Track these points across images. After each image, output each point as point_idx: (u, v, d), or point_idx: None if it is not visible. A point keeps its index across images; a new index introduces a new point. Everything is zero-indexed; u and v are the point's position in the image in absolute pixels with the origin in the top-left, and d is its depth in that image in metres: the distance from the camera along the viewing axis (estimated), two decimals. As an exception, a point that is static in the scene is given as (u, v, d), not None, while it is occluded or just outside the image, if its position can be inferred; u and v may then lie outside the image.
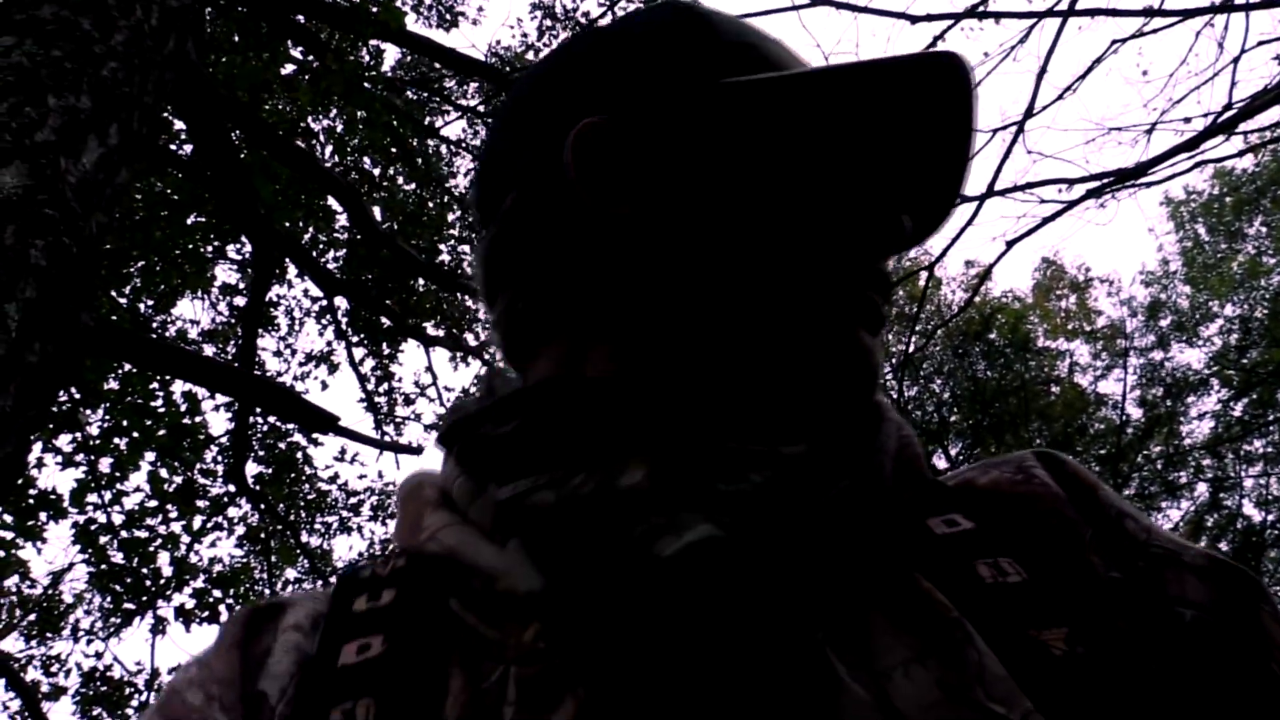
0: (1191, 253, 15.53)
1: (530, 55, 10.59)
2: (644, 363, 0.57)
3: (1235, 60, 5.56)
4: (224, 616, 6.04)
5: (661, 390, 0.55)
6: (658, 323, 0.58)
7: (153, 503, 6.18)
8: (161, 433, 5.95)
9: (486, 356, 9.56)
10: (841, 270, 0.57)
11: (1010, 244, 5.01)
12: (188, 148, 6.21)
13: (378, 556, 0.60)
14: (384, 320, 8.58)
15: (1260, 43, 6.25)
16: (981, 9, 4.73)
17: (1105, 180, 5.12)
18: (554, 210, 0.60)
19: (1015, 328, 13.53)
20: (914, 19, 4.27)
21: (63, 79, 1.92)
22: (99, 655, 7.30)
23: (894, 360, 13.83)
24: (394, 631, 0.52)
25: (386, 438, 8.90)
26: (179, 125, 5.97)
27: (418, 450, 6.42)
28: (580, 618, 0.48)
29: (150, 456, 5.98)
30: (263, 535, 7.46)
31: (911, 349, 12.13)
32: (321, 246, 8.41)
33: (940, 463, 13.47)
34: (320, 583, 9.85)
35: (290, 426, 7.91)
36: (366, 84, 6.67)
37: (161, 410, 5.67)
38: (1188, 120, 6.11)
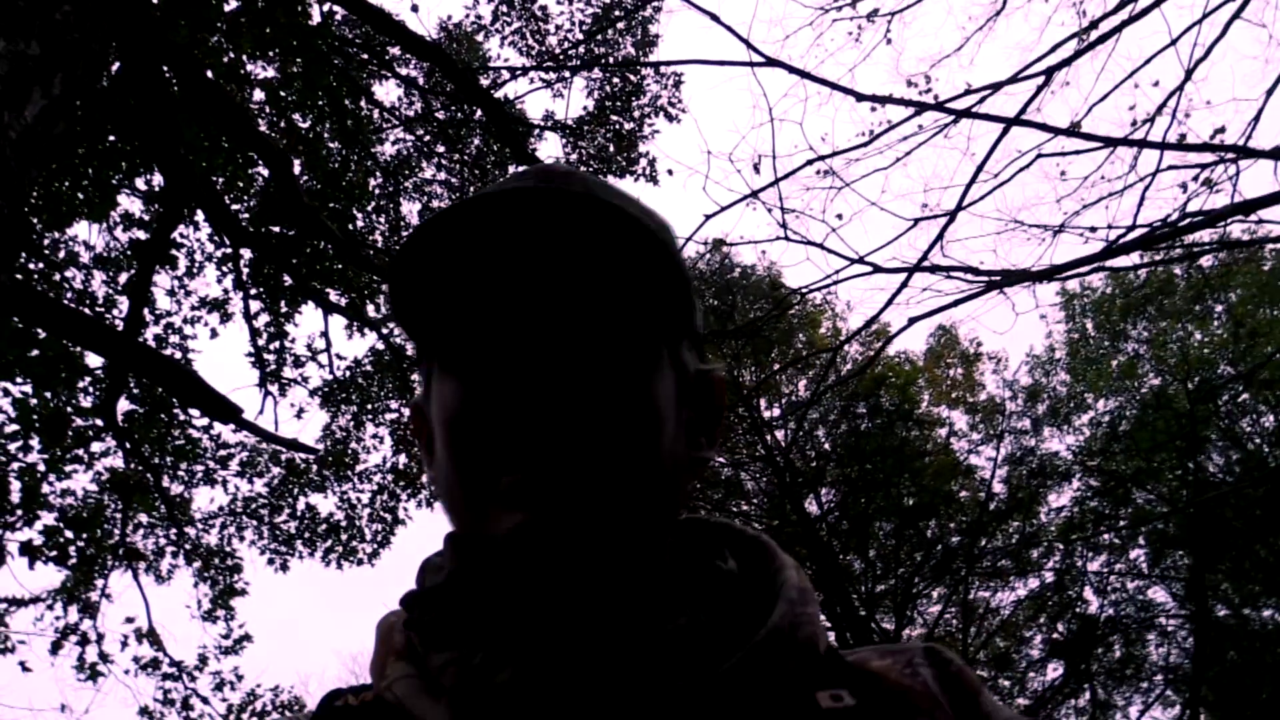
0: (1077, 344, 16.20)
1: (481, 38, 10.52)
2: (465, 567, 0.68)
3: (1146, 185, 5.88)
4: (73, 559, 5.84)
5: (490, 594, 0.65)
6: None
7: (14, 427, 5.94)
8: (34, 353, 5.72)
9: (384, 331, 9.44)
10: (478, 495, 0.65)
11: (912, 320, 5.21)
12: (114, 66, 6.01)
13: (358, 686, 0.71)
14: (286, 278, 8.41)
15: (1170, 167, 6.60)
16: (924, 93, 4.91)
17: (1011, 276, 5.36)
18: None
19: (903, 390, 13.93)
20: (860, 97, 4.41)
21: (15, 20, 1.87)
22: (-73, 574, 6.96)
23: (783, 405, 14.10)
24: None
25: (270, 397, 8.71)
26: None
27: (315, 450, 6.30)
28: None
29: (20, 380, 5.75)
30: (130, 480, 7.22)
31: (801, 396, 12.40)
32: (236, 191, 8.20)
33: (812, 508, 13.78)
34: (174, 530, 9.59)
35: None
36: (310, 37, 6.55)
37: (41, 335, 5.45)
38: (1094, 229, 6.41)
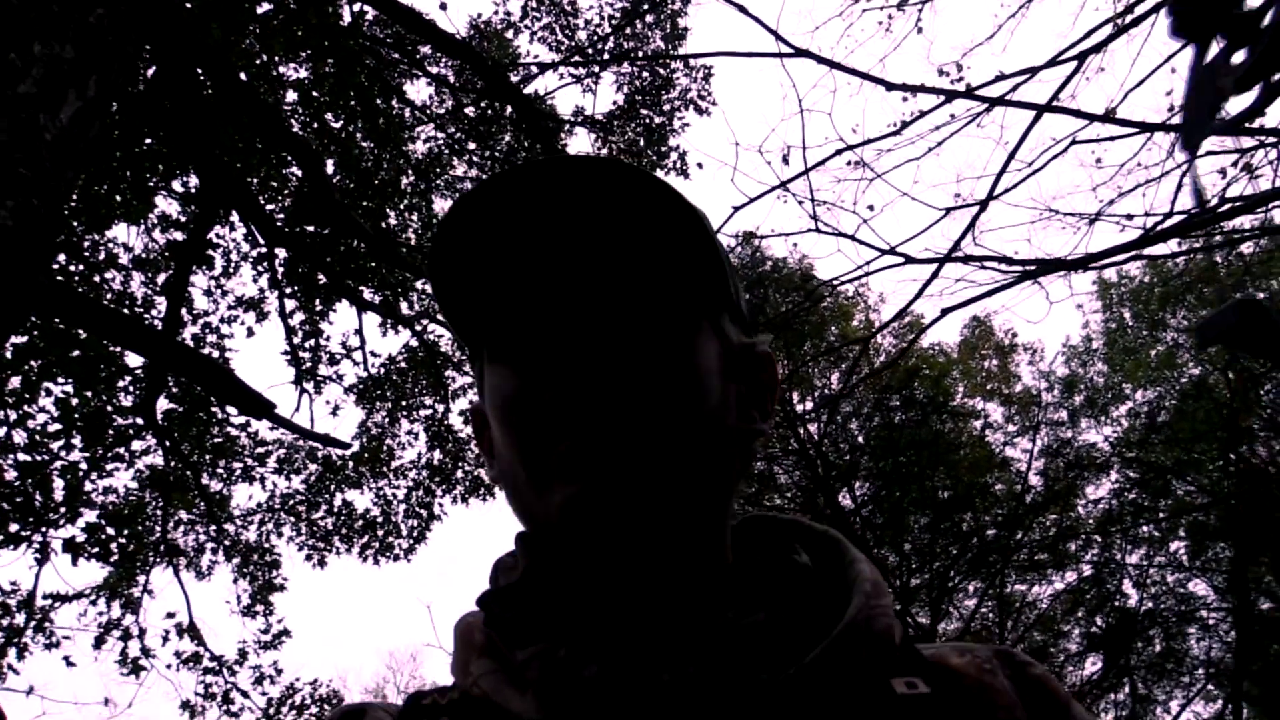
0: (1114, 334, 16.00)
1: (510, 35, 10.54)
2: (540, 565, 0.71)
3: (1184, 171, 5.78)
4: (114, 555, 5.93)
5: (564, 591, 0.68)
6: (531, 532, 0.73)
7: (56, 426, 6.05)
8: (75, 354, 5.81)
9: (418, 328, 9.50)
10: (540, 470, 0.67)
11: (945, 311, 5.16)
12: (149, 70, 6.07)
13: (442, 688, 0.73)
14: (321, 276, 8.48)
15: (1210, 153, 6.49)
16: (955, 81, 4.86)
17: (1046, 265, 5.30)
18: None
19: (937, 382, 13.83)
20: (890, 86, 4.38)
21: (49, 24, 1.90)
22: (-26, 570, 7.11)
23: (816, 398, 14.03)
24: None
25: (306, 395, 8.80)
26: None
27: (346, 445, 6.35)
28: None
29: (62, 380, 5.85)
30: (170, 477, 7.31)
31: (834, 389, 12.33)
32: (271, 191, 8.28)
33: (845, 502, 13.71)
34: (214, 527, 9.72)
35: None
36: (341, 38, 6.60)
37: (82, 335, 5.54)
38: (1131, 217, 6.32)
